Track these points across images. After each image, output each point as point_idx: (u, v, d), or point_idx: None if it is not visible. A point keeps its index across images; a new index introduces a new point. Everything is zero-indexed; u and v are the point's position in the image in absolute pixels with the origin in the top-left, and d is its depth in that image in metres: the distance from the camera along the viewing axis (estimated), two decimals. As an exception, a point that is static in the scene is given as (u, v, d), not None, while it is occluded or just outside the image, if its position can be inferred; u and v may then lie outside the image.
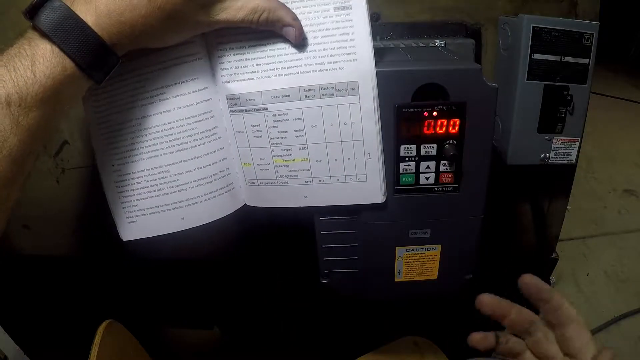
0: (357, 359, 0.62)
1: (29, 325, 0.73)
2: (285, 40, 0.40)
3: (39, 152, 0.35)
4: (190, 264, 0.61)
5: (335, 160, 0.42)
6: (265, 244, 0.39)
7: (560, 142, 0.53)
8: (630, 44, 2.98)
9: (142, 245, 0.45)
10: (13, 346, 0.74)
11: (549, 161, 0.54)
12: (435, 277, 0.49)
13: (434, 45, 0.54)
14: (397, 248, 0.48)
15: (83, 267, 0.64)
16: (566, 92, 0.51)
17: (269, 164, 0.43)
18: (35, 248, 0.63)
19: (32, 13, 0.32)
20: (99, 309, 0.65)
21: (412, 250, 0.48)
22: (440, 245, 0.48)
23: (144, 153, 0.42)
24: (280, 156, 0.42)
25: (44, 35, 0.32)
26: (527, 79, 0.50)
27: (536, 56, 0.50)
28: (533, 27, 0.49)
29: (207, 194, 0.44)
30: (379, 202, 0.43)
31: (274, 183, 0.44)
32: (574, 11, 0.56)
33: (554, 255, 0.67)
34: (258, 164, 0.43)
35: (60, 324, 0.72)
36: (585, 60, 0.51)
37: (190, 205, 0.44)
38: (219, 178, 0.44)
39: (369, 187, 0.43)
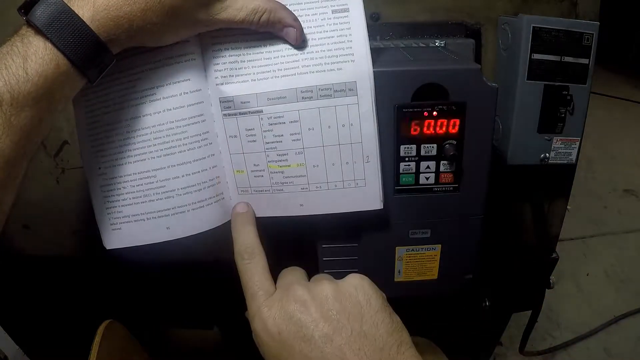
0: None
1: (29, 325, 0.73)
2: (283, 41, 0.40)
3: (35, 154, 0.35)
4: (191, 263, 0.61)
5: (333, 164, 0.41)
6: (265, 243, 0.39)
7: (560, 142, 0.53)
8: (630, 44, 2.98)
9: (142, 245, 0.44)
10: (13, 346, 0.74)
11: (549, 161, 0.54)
12: (435, 277, 0.49)
13: (434, 45, 0.54)
14: (397, 248, 0.48)
15: (83, 267, 0.64)
16: (566, 92, 0.51)
17: (264, 170, 0.42)
18: (35, 248, 0.63)
19: (27, 9, 0.32)
20: (99, 309, 0.65)
21: (412, 250, 0.48)
22: (440, 245, 0.48)
23: (132, 156, 0.41)
24: (276, 162, 0.41)
25: (38, 31, 0.32)
26: (527, 79, 0.50)
27: (536, 56, 0.50)
28: (533, 27, 0.49)
29: (195, 202, 0.42)
30: (378, 208, 0.43)
31: (268, 191, 0.43)
32: (574, 11, 0.56)
33: (554, 255, 0.67)
34: (252, 171, 0.42)
35: (60, 324, 0.72)
36: (585, 60, 0.51)
37: (176, 214, 0.42)
38: (209, 187, 0.42)
39: (367, 193, 0.42)
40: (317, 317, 0.33)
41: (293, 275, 0.38)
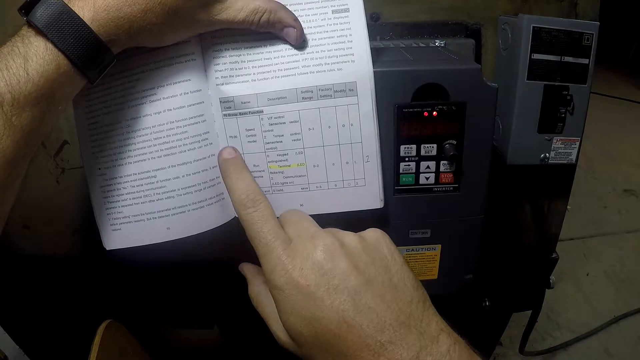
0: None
1: (29, 325, 0.73)
2: (283, 41, 0.40)
3: (35, 154, 0.35)
4: (191, 263, 0.61)
5: (333, 164, 0.41)
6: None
7: (560, 142, 0.53)
8: (631, 45, 2.98)
9: (142, 245, 0.44)
10: (13, 346, 0.74)
11: (549, 161, 0.54)
12: (435, 277, 0.49)
13: (434, 45, 0.54)
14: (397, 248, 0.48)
15: (83, 267, 0.64)
16: (566, 92, 0.51)
17: (264, 171, 0.42)
18: (35, 248, 0.63)
19: (27, 9, 0.32)
20: (99, 309, 0.65)
21: (412, 250, 0.48)
22: (440, 245, 0.48)
23: (132, 156, 0.41)
24: (276, 162, 0.41)
25: (39, 31, 0.32)
26: (527, 79, 0.50)
27: (536, 56, 0.50)
28: (533, 27, 0.49)
29: (195, 202, 0.42)
30: (378, 207, 0.43)
31: (268, 191, 0.43)
32: (574, 11, 0.56)
33: (554, 255, 0.67)
34: (252, 171, 0.42)
35: (60, 324, 0.72)
36: (585, 60, 0.51)
37: (177, 214, 0.42)
38: (209, 187, 0.42)
39: (367, 192, 0.42)
40: (349, 267, 0.31)
41: (308, 222, 0.36)
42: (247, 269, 0.38)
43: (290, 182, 0.42)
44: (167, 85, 0.40)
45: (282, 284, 0.32)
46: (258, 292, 0.36)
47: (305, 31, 0.39)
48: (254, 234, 0.34)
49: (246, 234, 0.35)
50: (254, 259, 0.36)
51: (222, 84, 0.41)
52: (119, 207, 0.42)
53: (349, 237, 0.34)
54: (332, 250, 0.32)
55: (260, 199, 0.36)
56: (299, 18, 0.39)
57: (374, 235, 0.34)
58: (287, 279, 0.31)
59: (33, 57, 0.31)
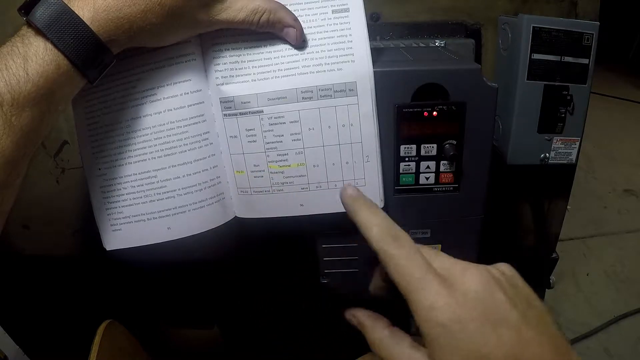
0: (357, 359, 0.62)
1: (29, 325, 0.73)
2: (283, 41, 0.40)
3: (35, 154, 0.35)
4: (191, 263, 0.61)
5: (333, 164, 0.41)
6: (265, 243, 0.39)
7: (560, 142, 0.53)
8: (631, 45, 2.98)
9: (142, 245, 0.44)
10: (13, 346, 0.74)
11: (549, 161, 0.54)
12: (435, 277, 0.49)
13: (434, 45, 0.54)
14: (397, 248, 0.48)
15: (83, 267, 0.64)
16: (566, 92, 0.51)
17: (264, 171, 0.42)
18: (35, 248, 0.63)
19: (27, 9, 0.32)
20: (99, 309, 0.65)
21: (412, 250, 0.48)
22: (440, 245, 0.48)
23: (132, 157, 0.41)
24: (276, 162, 0.41)
25: (39, 32, 0.32)
26: (527, 79, 0.50)
27: (536, 56, 0.50)
28: (533, 27, 0.49)
29: (196, 202, 0.42)
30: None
31: (268, 191, 0.43)
32: (574, 11, 0.56)
33: (554, 255, 0.67)
34: (252, 171, 0.42)
35: (60, 324, 0.72)
36: (585, 60, 0.51)
37: (177, 214, 0.42)
38: (209, 187, 0.42)
39: (367, 192, 0.42)
40: (506, 300, 0.30)
41: (446, 255, 0.34)
42: (361, 314, 0.36)
43: (290, 182, 0.42)
44: (167, 85, 0.40)
45: (446, 320, 0.29)
46: (382, 337, 0.34)
47: (305, 31, 0.40)
48: (401, 269, 0.32)
49: (388, 271, 0.32)
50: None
51: (222, 84, 0.41)
52: (119, 207, 0.42)
53: (493, 269, 0.32)
54: (487, 282, 0.30)
55: (403, 233, 0.34)
56: (299, 18, 0.39)
57: (509, 268, 0.34)
58: (451, 315, 0.29)
59: (33, 57, 0.31)
